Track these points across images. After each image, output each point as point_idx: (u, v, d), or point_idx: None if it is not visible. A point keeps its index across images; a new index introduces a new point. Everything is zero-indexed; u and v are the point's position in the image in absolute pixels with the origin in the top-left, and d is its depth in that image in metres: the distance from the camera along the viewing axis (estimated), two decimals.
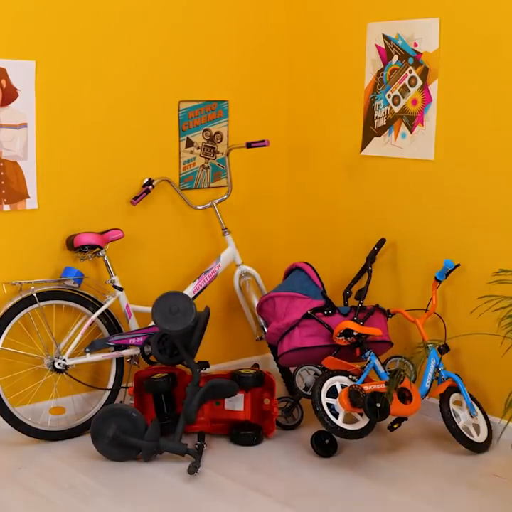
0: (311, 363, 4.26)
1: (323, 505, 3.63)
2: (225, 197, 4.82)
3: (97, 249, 4.37)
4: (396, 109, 4.60)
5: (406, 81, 4.53)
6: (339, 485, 3.82)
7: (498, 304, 3.49)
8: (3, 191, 4.19)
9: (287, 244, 5.28)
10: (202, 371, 4.25)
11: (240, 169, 4.96)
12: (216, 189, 4.95)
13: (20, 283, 4.18)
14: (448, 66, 4.34)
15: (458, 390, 4.19)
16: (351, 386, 3.95)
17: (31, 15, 4.15)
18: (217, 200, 4.79)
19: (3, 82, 4.11)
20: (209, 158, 4.90)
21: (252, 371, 4.34)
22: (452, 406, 4.12)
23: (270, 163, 5.15)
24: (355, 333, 4.18)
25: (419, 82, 4.47)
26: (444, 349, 4.26)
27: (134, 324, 4.50)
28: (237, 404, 4.35)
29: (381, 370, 4.21)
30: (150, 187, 4.57)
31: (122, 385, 4.45)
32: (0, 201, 4.19)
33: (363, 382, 4.04)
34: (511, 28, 4.07)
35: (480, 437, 4.15)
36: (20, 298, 4.16)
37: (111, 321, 4.41)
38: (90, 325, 4.32)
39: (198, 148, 4.85)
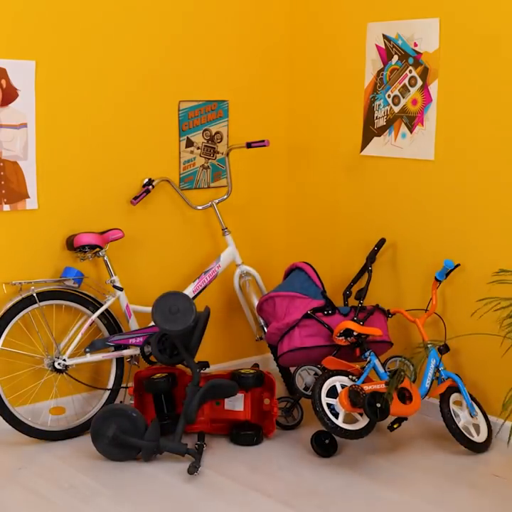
0: (311, 363, 4.26)
1: (323, 505, 3.63)
2: (225, 197, 4.82)
3: (97, 249, 4.37)
4: (396, 109, 4.60)
5: (406, 81, 4.53)
6: (339, 485, 3.82)
7: (497, 306, 3.49)
8: (3, 191, 4.19)
9: (287, 244, 5.28)
10: (202, 371, 4.25)
11: (240, 169, 4.96)
12: (216, 189, 4.95)
13: (20, 283, 4.18)
14: (448, 66, 4.34)
15: (458, 390, 4.19)
16: (351, 386, 3.95)
17: (31, 15, 4.15)
18: (217, 200, 4.79)
19: (3, 82, 4.11)
20: (209, 158, 4.90)
21: (252, 371, 4.34)
22: (452, 406, 4.12)
23: (270, 163, 5.15)
24: (355, 333, 4.18)
25: (419, 82, 4.47)
26: (444, 349, 4.26)
27: (134, 324, 4.50)
28: (237, 404, 4.35)
29: (381, 370, 4.21)
30: (150, 187, 4.57)
31: (122, 385, 4.45)
32: (0, 201, 4.19)
33: (363, 382, 4.04)
34: (511, 28, 4.07)
35: (480, 437, 4.15)
36: (20, 298, 4.16)
37: (111, 321, 4.41)
38: (90, 325, 4.32)
39: (198, 148, 4.85)
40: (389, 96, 4.62)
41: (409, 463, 4.04)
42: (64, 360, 4.24)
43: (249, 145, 4.76)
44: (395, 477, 3.90)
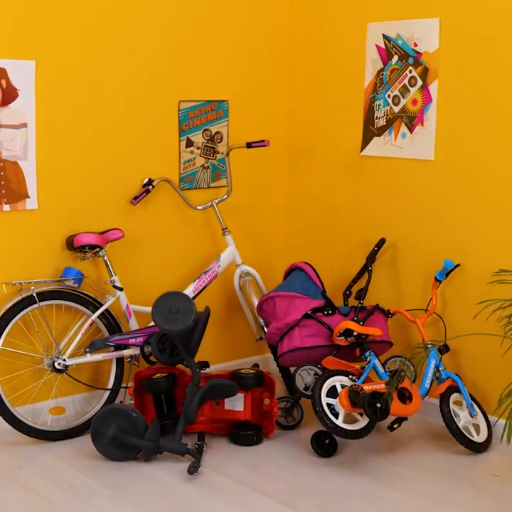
0: (311, 363, 4.26)
1: (323, 505, 3.63)
2: (225, 197, 4.82)
3: (97, 249, 4.37)
4: (396, 109, 4.60)
5: (406, 81, 4.53)
6: (339, 485, 3.82)
7: (499, 307, 3.50)
8: (3, 191, 4.19)
9: (287, 244, 5.28)
10: (202, 371, 4.25)
11: (240, 169, 4.96)
12: (216, 189, 4.95)
13: (20, 283, 4.18)
14: (448, 66, 4.34)
15: (458, 390, 4.20)
16: (351, 386, 3.95)
17: (31, 15, 4.15)
18: (217, 200, 4.79)
19: (3, 82, 4.11)
20: (209, 158, 4.90)
21: (252, 371, 4.34)
22: (452, 406, 4.12)
23: (270, 163, 5.15)
24: (355, 333, 4.18)
25: (419, 82, 4.47)
26: (444, 349, 4.26)
27: (134, 324, 4.50)
28: (237, 404, 4.35)
29: (381, 370, 4.21)
30: (150, 187, 4.57)
31: (122, 385, 4.45)
32: (0, 201, 4.19)
33: (363, 382, 4.04)
34: (511, 28, 4.07)
35: (480, 437, 4.15)
36: (20, 298, 4.16)
37: (111, 321, 4.41)
38: (90, 325, 4.32)
39: (198, 148, 4.85)
40: (389, 96, 4.62)
41: (409, 463, 4.04)
42: (64, 360, 4.24)
43: (249, 145, 4.76)
44: (395, 477, 3.90)
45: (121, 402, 4.46)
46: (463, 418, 4.14)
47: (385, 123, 4.67)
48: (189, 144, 4.81)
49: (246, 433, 4.25)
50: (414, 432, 4.38)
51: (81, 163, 4.43)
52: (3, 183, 4.18)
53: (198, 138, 4.83)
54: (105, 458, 4.00)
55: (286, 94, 5.15)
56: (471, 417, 4.17)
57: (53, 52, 4.25)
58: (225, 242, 4.77)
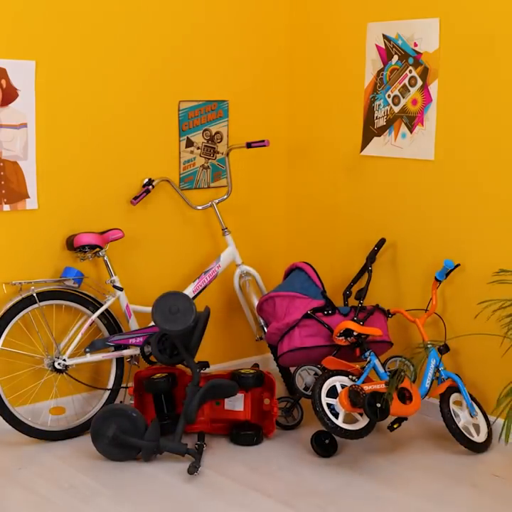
0: (311, 363, 4.26)
1: (323, 505, 3.63)
2: (225, 197, 4.82)
3: (97, 249, 4.37)
4: (396, 109, 4.60)
5: (406, 81, 4.53)
6: (339, 485, 3.82)
7: (498, 306, 3.50)
8: (3, 191, 4.19)
9: (287, 244, 5.28)
10: (202, 371, 4.25)
11: (240, 169, 4.96)
12: (216, 189, 4.95)
13: (20, 283, 4.18)
14: (448, 66, 4.34)
15: (458, 390, 4.20)
16: (351, 386, 3.95)
17: (31, 15, 4.15)
18: (217, 200, 4.79)
19: (3, 82, 4.11)
20: (209, 158, 4.90)
21: (252, 371, 4.34)
22: (452, 406, 4.12)
23: (270, 163, 5.15)
24: (355, 333, 4.18)
25: (419, 82, 4.47)
26: (444, 349, 4.26)
27: (134, 324, 4.50)
28: (237, 404, 4.35)
29: (381, 370, 4.21)
30: (150, 187, 4.57)
31: (122, 385, 4.45)
32: (0, 201, 4.19)
33: (363, 382, 4.04)
34: (511, 28, 4.07)
35: (480, 437, 4.15)
36: (20, 298, 4.16)
37: (111, 321, 4.41)
38: (90, 325, 4.32)
39: (198, 148, 4.85)
40: (389, 96, 4.62)
41: (409, 463, 4.04)
42: (64, 360, 4.24)
43: (249, 145, 4.76)
44: (394, 477, 3.90)
45: (121, 402, 4.46)
46: (463, 418, 4.14)
47: (385, 123, 4.67)
48: (189, 144, 4.81)
49: (246, 433, 4.25)
50: (414, 432, 4.38)
51: (81, 163, 4.43)
52: (3, 183, 4.18)
53: (198, 138, 4.83)
54: (105, 458, 4.00)
55: (286, 94, 5.15)
56: (471, 417, 4.17)
57: (53, 52, 4.25)
58: (225, 242, 4.77)
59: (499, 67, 4.14)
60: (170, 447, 3.97)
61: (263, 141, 4.75)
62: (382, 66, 4.64)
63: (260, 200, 5.17)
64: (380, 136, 4.70)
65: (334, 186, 4.98)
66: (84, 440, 4.19)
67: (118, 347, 4.39)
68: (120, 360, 4.44)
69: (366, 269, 4.59)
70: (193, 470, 3.84)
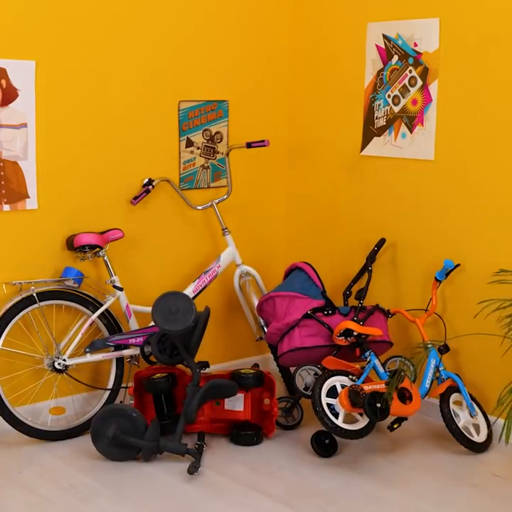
0: (311, 363, 4.26)
1: (323, 505, 3.63)
2: (225, 197, 4.82)
3: (97, 249, 4.37)
4: (396, 109, 4.60)
5: (406, 81, 4.53)
6: (339, 485, 3.82)
7: (499, 307, 3.50)
8: (3, 191, 4.19)
9: (287, 244, 5.28)
10: (202, 371, 4.25)
11: (240, 169, 4.96)
12: (216, 189, 4.95)
13: (20, 283, 4.18)
14: (448, 66, 4.34)
15: (458, 390, 4.20)
16: (351, 386, 3.95)
17: (31, 15, 4.15)
18: (217, 200, 4.79)
19: (3, 82, 4.11)
20: (209, 158, 4.90)
21: (252, 371, 4.34)
22: (452, 406, 4.12)
23: (270, 163, 5.15)
24: (355, 333, 4.18)
25: (419, 82, 4.47)
26: (444, 349, 4.26)
27: (134, 324, 4.50)
28: (237, 404, 4.35)
29: (381, 370, 4.21)
30: (150, 187, 4.57)
31: (122, 385, 4.45)
32: (0, 201, 4.19)
33: (363, 382, 4.04)
34: (511, 28, 4.07)
35: (480, 437, 4.15)
36: (20, 298, 4.16)
37: (111, 321, 4.41)
38: (90, 325, 4.32)
39: (198, 148, 4.85)
40: (389, 96, 4.62)
41: (409, 463, 4.04)
42: (64, 360, 4.24)
43: (249, 145, 4.76)
44: (394, 477, 3.90)
45: (121, 402, 4.46)
46: (463, 418, 4.14)
47: (385, 123, 4.67)
48: (189, 143, 4.81)
49: (246, 433, 4.25)
50: (414, 432, 4.38)
51: (81, 163, 4.43)
52: (3, 183, 4.18)
53: (198, 138, 4.83)
54: (105, 458, 4.00)
55: (286, 94, 5.15)
56: (471, 417, 4.17)
57: (53, 52, 4.25)
58: (225, 242, 4.77)
59: (499, 67, 4.14)
60: (170, 447, 3.97)
61: (263, 141, 4.75)
62: (382, 66, 4.64)
63: (260, 200, 5.17)
64: (380, 136, 4.70)
65: (334, 186, 4.98)
66: (84, 440, 4.19)
67: (118, 347, 4.39)
68: (120, 360, 4.44)
69: (366, 269, 4.59)
70: (193, 470, 3.84)
